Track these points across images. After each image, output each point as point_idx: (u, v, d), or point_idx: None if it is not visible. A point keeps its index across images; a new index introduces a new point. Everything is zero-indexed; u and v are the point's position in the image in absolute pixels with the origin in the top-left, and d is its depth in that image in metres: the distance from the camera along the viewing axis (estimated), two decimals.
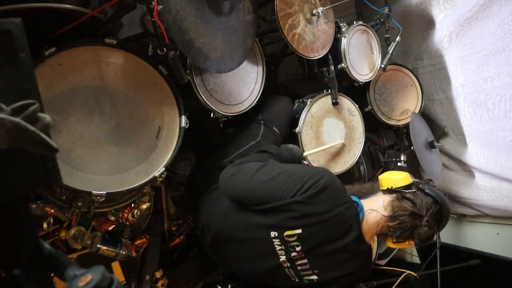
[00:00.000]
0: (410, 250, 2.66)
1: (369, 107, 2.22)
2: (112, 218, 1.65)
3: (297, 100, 2.02)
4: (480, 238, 2.50)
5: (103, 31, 1.40)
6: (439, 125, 2.52)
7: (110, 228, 1.67)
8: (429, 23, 2.35)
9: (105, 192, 1.20)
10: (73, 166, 1.19)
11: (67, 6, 1.29)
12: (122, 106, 1.32)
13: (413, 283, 1.99)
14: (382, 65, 2.05)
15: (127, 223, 1.70)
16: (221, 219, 1.31)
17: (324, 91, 1.97)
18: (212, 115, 1.54)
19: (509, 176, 2.16)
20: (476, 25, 2.11)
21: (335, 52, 1.95)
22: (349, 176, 2.26)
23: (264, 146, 1.46)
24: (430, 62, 2.44)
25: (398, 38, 2.02)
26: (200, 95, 1.46)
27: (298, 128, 1.82)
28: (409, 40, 2.51)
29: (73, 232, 1.54)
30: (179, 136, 1.43)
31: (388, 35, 2.06)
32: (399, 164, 2.31)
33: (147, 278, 1.75)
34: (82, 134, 1.22)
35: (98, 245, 1.58)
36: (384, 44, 2.08)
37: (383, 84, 2.33)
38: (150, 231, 1.85)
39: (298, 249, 1.15)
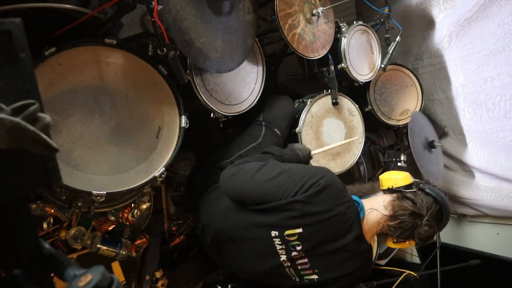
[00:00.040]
0: (410, 250, 2.66)
1: (369, 107, 2.22)
2: (112, 218, 1.65)
3: (297, 100, 2.02)
4: (480, 238, 2.50)
5: (103, 31, 1.40)
6: (439, 125, 2.52)
7: (110, 228, 1.67)
8: (429, 23, 2.35)
9: (105, 192, 1.20)
10: (73, 166, 1.19)
11: (67, 6, 1.29)
12: (122, 106, 1.32)
13: (413, 283, 1.99)
14: (382, 65, 2.05)
15: (127, 223, 1.70)
16: (221, 219, 1.31)
17: (324, 91, 1.97)
18: (212, 115, 1.54)
19: (509, 176, 2.16)
20: (476, 25, 2.11)
21: (335, 52, 1.95)
22: (349, 176, 2.27)
23: (267, 148, 1.45)
24: (430, 62, 2.44)
25: (398, 38, 2.02)
26: (200, 95, 1.46)
27: (298, 128, 1.82)
28: (409, 40, 2.51)
29: (73, 232, 1.54)
30: (179, 136, 1.43)
31: (388, 35, 2.06)
32: (399, 164, 2.31)
33: (147, 278, 1.75)
34: (82, 134, 1.22)
35: (98, 245, 1.58)
36: (384, 44, 2.08)
37: (383, 84, 2.33)
38: (150, 231, 1.85)
39: (298, 248, 1.15)
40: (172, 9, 1.16)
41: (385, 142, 2.56)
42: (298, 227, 1.13)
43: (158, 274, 1.80)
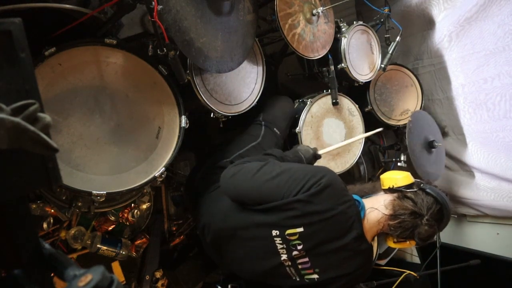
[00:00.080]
0: (410, 250, 2.66)
1: (369, 107, 2.22)
2: (112, 218, 1.65)
3: (297, 100, 2.02)
4: (480, 238, 2.49)
5: (103, 31, 1.40)
6: (439, 125, 2.52)
7: (110, 228, 1.67)
8: (429, 23, 2.35)
9: (105, 192, 1.20)
10: (73, 166, 1.19)
11: (67, 6, 1.29)
12: (122, 106, 1.32)
13: (413, 283, 1.99)
14: (382, 65, 2.05)
15: (127, 223, 1.70)
16: (221, 218, 1.31)
17: (324, 91, 1.97)
18: (212, 115, 1.54)
19: (509, 176, 2.16)
20: (476, 25, 2.11)
21: (335, 52, 1.95)
22: (349, 176, 2.27)
23: (268, 150, 1.44)
24: (430, 62, 2.44)
25: (398, 38, 2.02)
26: (200, 95, 1.46)
27: (298, 128, 1.82)
28: (409, 40, 2.51)
29: (73, 232, 1.54)
30: (179, 136, 1.43)
31: (388, 35, 2.06)
32: (399, 164, 2.31)
33: (147, 278, 1.75)
34: (82, 134, 1.22)
35: (98, 245, 1.58)
36: (384, 44, 2.08)
37: (383, 84, 2.33)
38: (150, 231, 1.85)
39: (299, 247, 1.15)
40: (172, 9, 1.16)
41: (385, 142, 2.56)
42: (299, 227, 1.13)
43: (158, 274, 1.80)
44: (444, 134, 2.52)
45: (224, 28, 1.38)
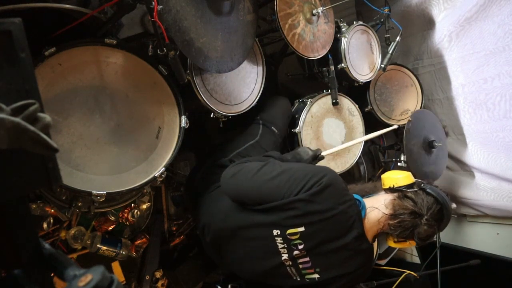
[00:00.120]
0: (410, 250, 2.66)
1: (369, 107, 2.22)
2: (112, 218, 1.65)
3: (297, 100, 2.02)
4: (480, 238, 2.49)
5: (103, 31, 1.40)
6: None
7: (110, 228, 1.67)
8: (429, 23, 2.35)
9: (105, 192, 1.20)
10: (73, 166, 1.19)
11: (67, 6, 1.29)
12: (122, 106, 1.32)
13: (413, 283, 1.98)
14: (382, 65, 2.05)
15: (127, 223, 1.70)
16: (221, 218, 1.31)
17: (324, 91, 1.97)
18: (212, 115, 1.54)
19: (509, 176, 2.16)
20: (476, 25, 2.11)
21: (335, 52, 1.95)
22: (349, 176, 2.26)
23: (268, 152, 1.44)
24: (430, 62, 2.44)
25: (398, 38, 2.02)
26: (200, 95, 1.46)
27: (298, 128, 1.82)
28: (409, 40, 2.51)
29: (73, 232, 1.54)
30: (179, 136, 1.43)
31: (388, 35, 2.06)
32: (399, 164, 2.30)
33: (147, 278, 1.75)
34: (82, 134, 1.22)
35: (98, 245, 1.58)
36: (384, 44, 2.08)
37: (383, 84, 2.33)
38: (150, 231, 1.84)
39: (300, 247, 1.15)
40: (172, 9, 1.16)
41: (385, 142, 2.56)
42: (300, 226, 1.13)
43: (158, 274, 1.80)
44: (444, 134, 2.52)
45: (224, 28, 1.38)
